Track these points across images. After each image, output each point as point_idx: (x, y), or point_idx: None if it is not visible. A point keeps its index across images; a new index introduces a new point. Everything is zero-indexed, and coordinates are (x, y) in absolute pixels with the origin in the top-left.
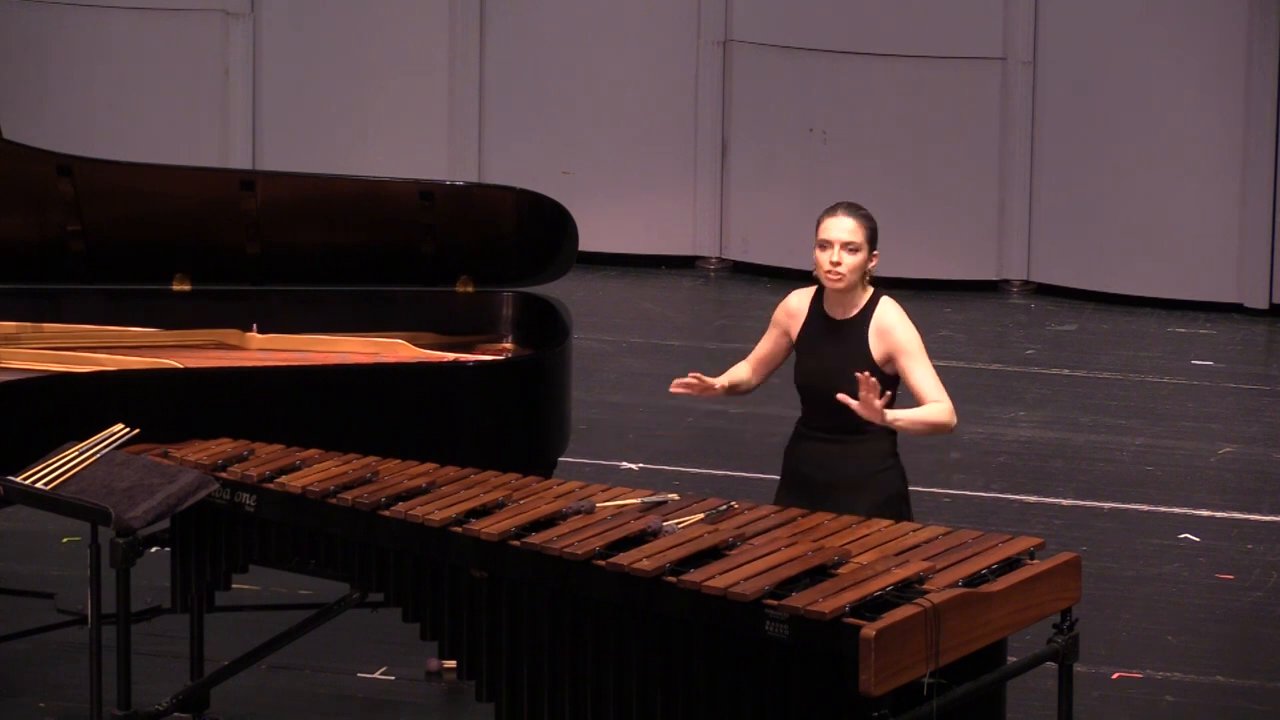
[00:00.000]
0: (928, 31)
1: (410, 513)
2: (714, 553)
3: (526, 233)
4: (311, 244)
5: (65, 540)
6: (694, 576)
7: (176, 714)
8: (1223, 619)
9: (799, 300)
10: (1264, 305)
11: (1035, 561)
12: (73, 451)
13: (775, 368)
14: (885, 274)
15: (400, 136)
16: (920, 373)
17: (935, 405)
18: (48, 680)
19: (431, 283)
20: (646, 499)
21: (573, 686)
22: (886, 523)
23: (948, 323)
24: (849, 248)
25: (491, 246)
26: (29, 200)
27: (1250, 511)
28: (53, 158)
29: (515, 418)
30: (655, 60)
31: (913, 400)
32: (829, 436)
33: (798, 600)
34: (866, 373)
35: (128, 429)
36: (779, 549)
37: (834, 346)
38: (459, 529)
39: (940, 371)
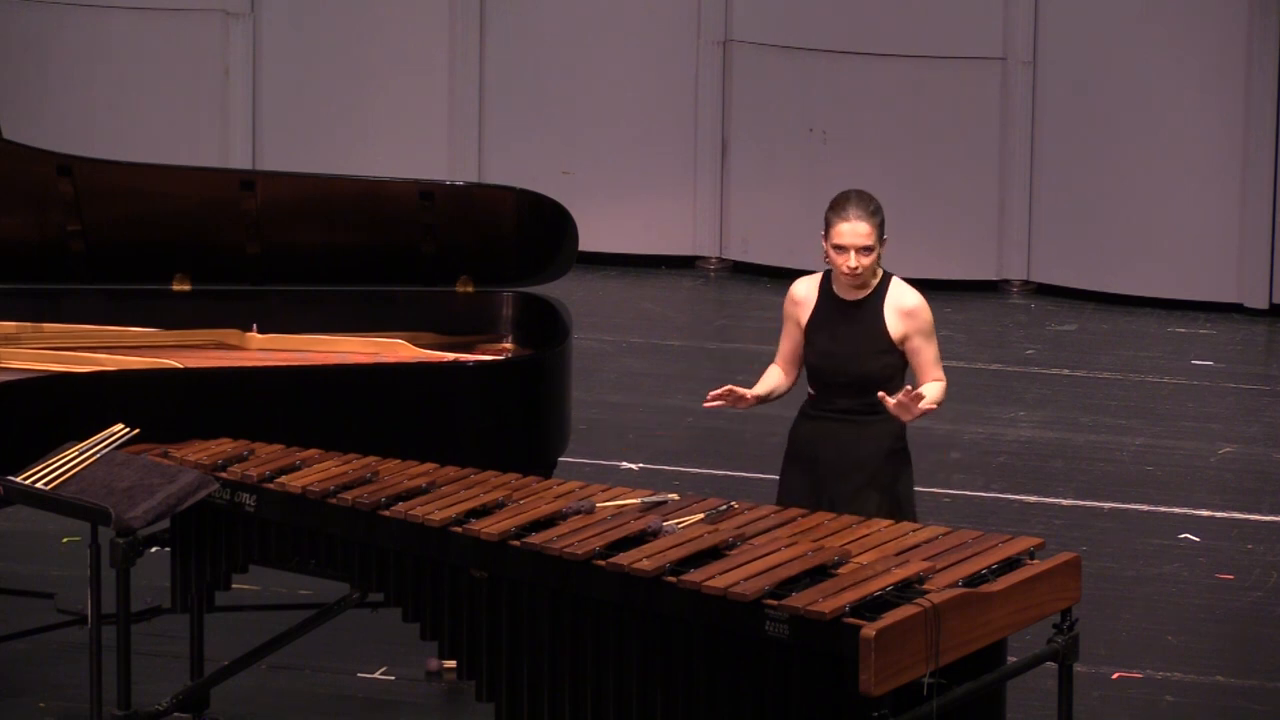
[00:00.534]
0: (928, 31)
1: (410, 513)
2: (714, 553)
3: (526, 233)
4: (311, 244)
5: (65, 540)
6: (694, 576)
7: (176, 714)
8: (1223, 619)
9: (806, 287)
10: (1264, 305)
11: (1035, 561)
12: (73, 451)
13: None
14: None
15: (400, 136)
16: (930, 355)
17: (938, 385)
18: (48, 680)
19: (431, 283)
20: (646, 499)
21: (573, 686)
22: (886, 523)
23: (948, 323)
24: (864, 251)
25: (491, 246)
26: (29, 200)
27: (1250, 511)
28: (53, 158)
29: (515, 418)
30: (655, 60)
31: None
32: (842, 417)
33: (798, 600)
34: (907, 391)
35: (128, 429)
36: (779, 549)
37: (848, 326)
38: (459, 529)
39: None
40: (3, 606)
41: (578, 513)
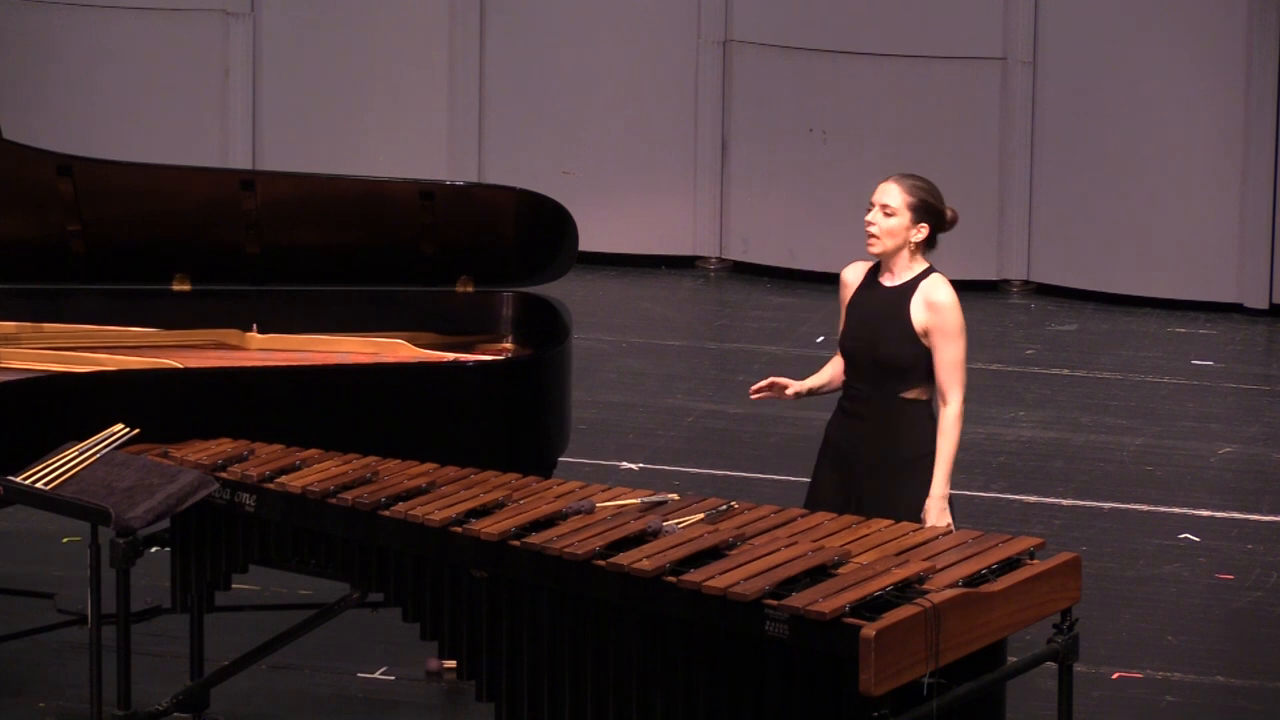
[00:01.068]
0: (928, 31)
1: (410, 513)
2: (714, 553)
3: (526, 233)
4: (311, 244)
5: (65, 540)
6: (694, 576)
7: (176, 714)
8: (1223, 619)
9: (855, 271)
10: (1264, 305)
11: (1035, 561)
12: (73, 451)
13: None
14: None
15: (400, 136)
16: (948, 358)
17: (945, 441)
18: (48, 680)
19: (431, 283)
20: (646, 499)
21: (573, 686)
22: (886, 522)
23: None
24: (885, 210)
25: (491, 247)
26: (29, 200)
27: (1250, 511)
28: (53, 158)
29: (515, 418)
30: (655, 60)
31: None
32: (868, 408)
33: (798, 600)
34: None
35: (128, 429)
36: (779, 549)
37: (877, 309)
38: (459, 529)
39: None
40: (3, 606)
41: (578, 513)
